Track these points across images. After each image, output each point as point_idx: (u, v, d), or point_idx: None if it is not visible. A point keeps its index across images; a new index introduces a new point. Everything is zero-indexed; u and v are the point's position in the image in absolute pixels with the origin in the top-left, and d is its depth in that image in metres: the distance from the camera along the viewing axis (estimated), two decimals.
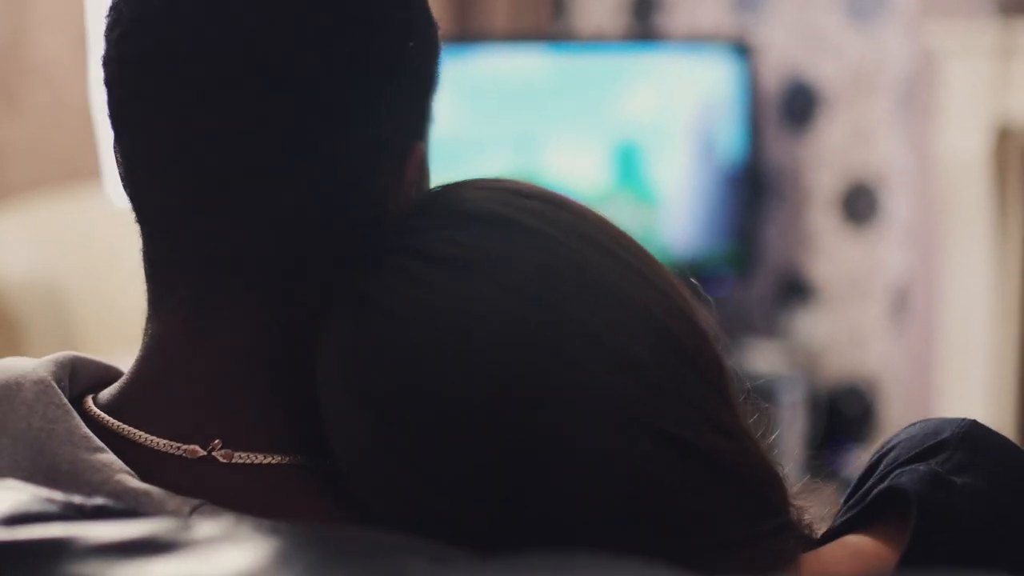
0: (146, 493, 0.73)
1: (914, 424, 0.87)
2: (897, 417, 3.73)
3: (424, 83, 0.82)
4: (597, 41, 4.05)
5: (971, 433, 0.82)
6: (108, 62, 0.79)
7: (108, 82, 0.79)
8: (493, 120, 3.77)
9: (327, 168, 0.77)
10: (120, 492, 0.73)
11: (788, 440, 3.66)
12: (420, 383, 0.72)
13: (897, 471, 0.81)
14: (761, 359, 3.73)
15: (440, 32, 0.83)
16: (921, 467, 0.80)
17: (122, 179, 0.80)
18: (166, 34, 0.75)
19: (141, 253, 0.80)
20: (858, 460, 3.72)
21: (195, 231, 0.77)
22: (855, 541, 0.81)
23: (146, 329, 0.80)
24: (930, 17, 3.45)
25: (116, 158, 0.80)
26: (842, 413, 3.81)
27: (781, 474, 0.82)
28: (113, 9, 0.79)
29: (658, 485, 0.73)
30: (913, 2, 3.55)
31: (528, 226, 0.76)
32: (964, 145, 3.36)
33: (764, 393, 3.30)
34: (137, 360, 0.80)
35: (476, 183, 0.81)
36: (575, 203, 0.81)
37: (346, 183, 0.78)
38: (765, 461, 0.81)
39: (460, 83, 3.79)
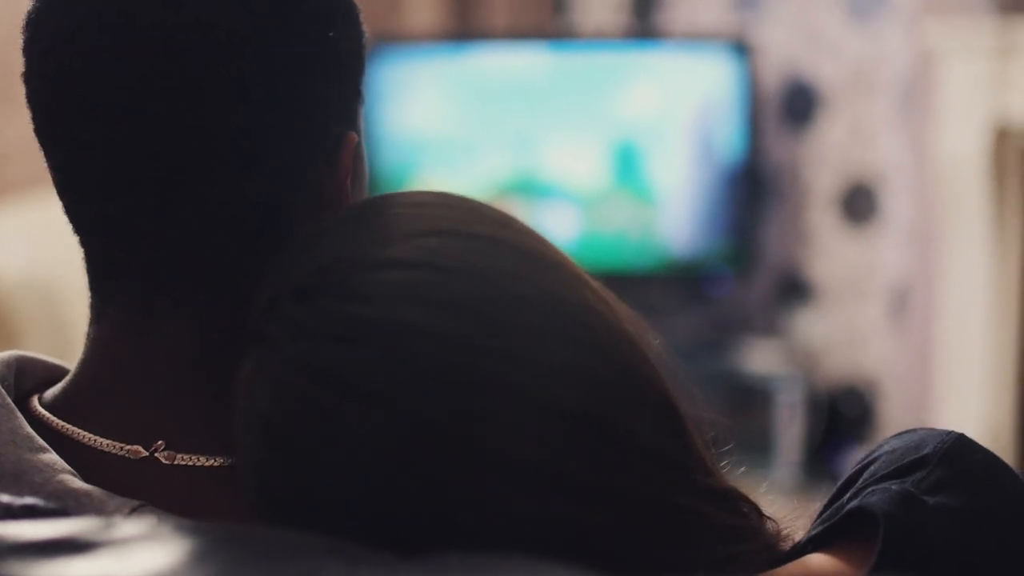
0: (87, 494, 0.73)
1: (900, 434, 0.83)
2: (896, 416, 3.73)
3: (350, 71, 0.82)
4: (596, 39, 4.05)
5: (954, 449, 0.79)
6: (30, 78, 0.79)
7: (32, 98, 0.79)
8: (492, 118, 3.77)
9: (256, 165, 0.76)
10: (61, 492, 0.73)
11: (787, 440, 3.66)
12: (350, 401, 0.70)
13: (870, 488, 0.78)
14: (760, 359, 3.73)
15: (362, 14, 0.83)
16: (894, 485, 0.77)
17: (57, 190, 0.80)
18: (88, 46, 0.75)
19: (83, 261, 0.80)
20: (857, 459, 3.72)
21: (131, 238, 0.77)
22: (818, 561, 0.78)
23: (88, 333, 0.80)
24: (929, 16, 3.44)
25: (50, 169, 0.80)
26: (841, 413, 3.80)
27: (728, 483, 0.80)
28: (30, 26, 0.79)
29: (599, 497, 0.71)
30: (912, 1, 3.54)
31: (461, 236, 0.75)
32: (962, 144, 3.35)
33: (763, 393, 3.30)
34: (80, 362, 0.80)
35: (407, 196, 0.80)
36: (494, 212, 0.79)
37: (277, 179, 0.77)
38: (714, 469, 0.79)
39: (459, 81, 3.79)
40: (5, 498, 0.65)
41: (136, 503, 0.72)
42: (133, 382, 0.78)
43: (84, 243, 0.80)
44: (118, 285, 0.79)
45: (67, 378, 0.81)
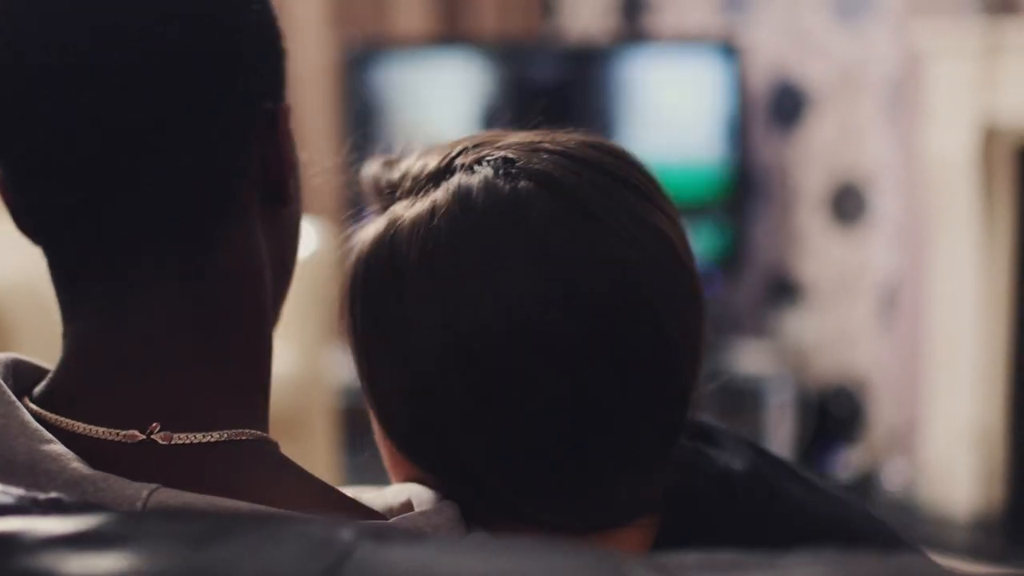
0: (104, 479, 0.73)
1: None
2: (886, 416, 3.74)
3: (273, 41, 0.83)
4: (586, 42, 4.06)
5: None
6: None
7: None
8: (482, 121, 3.77)
9: (197, 142, 0.77)
10: (78, 479, 0.73)
11: (777, 440, 3.67)
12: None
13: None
14: (750, 359, 3.74)
15: None
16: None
17: (12, 191, 0.79)
18: (23, 45, 0.75)
19: (47, 264, 0.80)
20: (847, 459, 3.73)
21: (88, 231, 0.77)
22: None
23: (65, 334, 0.80)
24: (916, 17, 3.46)
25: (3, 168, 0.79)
26: (831, 412, 3.81)
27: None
28: None
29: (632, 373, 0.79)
30: (899, 2, 3.56)
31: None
32: (951, 144, 3.37)
33: (753, 393, 3.32)
34: (61, 361, 0.80)
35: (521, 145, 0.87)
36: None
37: (221, 151, 0.78)
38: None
39: (449, 85, 3.80)
40: (32, 491, 0.65)
41: (153, 486, 0.73)
42: (118, 370, 0.78)
43: (47, 244, 0.80)
44: (86, 284, 0.79)
45: (50, 376, 0.80)
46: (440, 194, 0.82)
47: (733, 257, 3.80)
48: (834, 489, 0.91)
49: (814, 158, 3.84)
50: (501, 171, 0.81)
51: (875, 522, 0.89)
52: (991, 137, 3.36)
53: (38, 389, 0.80)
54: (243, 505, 0.71)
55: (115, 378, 0.78)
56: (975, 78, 3.28)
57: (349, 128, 3.74)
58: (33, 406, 0.79)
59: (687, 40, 3.87)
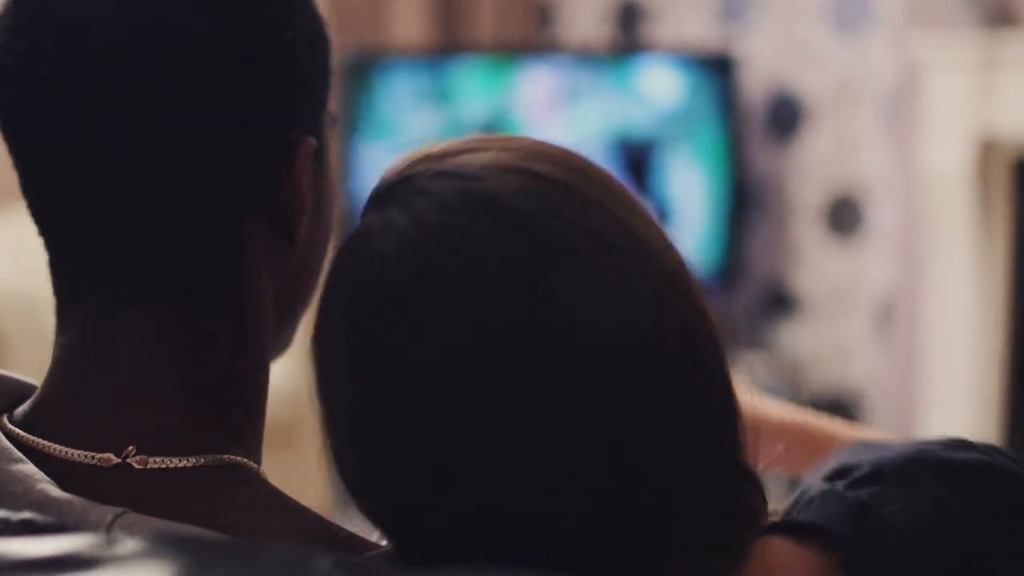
0: (68, 502, 0.72)
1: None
2: (881, 429, 3.73)
3: (306, 76, 0.81)
4: (582, 52, 4.05)
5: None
6: None
7: None
8: (476, 131, 3.77)
9: (205, 166, 0.76)
10: (43, 501, 0.72)
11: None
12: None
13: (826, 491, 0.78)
14: (746, 372, 3.73)
15: (327, 27, 0.82)
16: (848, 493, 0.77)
17: (21, 187, 0.79)
18: (40, 42, 0.75)
19: (47, 264, 0.80)
20: None
21: (86, 238, 0.77)
22: (779, 546, 0.77)
23: (56, 341, 0.79)
24: (914, 29, 3.45)
25: (14, 166, 0.79)
26: None
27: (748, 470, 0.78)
28: None
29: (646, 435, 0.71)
30: (897, 13, 3.55)
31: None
32: (948, 157, 3.36)
33: None
34: (48, 373, 0.79)
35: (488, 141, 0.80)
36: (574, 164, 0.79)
37: (226, 181, 0.77)
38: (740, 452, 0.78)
39: (444, 94, 3.79)
40: (2, 513, 0.64)
41: (119, 510, 0.72)
42: (98, 390, 0.77)
43: (44, 242, 0.80)
44: (77, 290, 0.78)
45: (36, 393, 0.80)
46: (391, 213, 0.74)
47: (729, 269, 3.78)
48: None
49: (811, 170, 3.82)
50: (422, 199, 0.74)
51: None
52: (988, 150, 3.35)
53: (23, 408, 0.79)
54: (206, 532, 0.70)
55: (97, 401, 0.77)
56: (973, 91, 3.28)
57: (346, 137, 3.73)
58: (9, 425, 0.78)
59: (683, 51, 3.86)
